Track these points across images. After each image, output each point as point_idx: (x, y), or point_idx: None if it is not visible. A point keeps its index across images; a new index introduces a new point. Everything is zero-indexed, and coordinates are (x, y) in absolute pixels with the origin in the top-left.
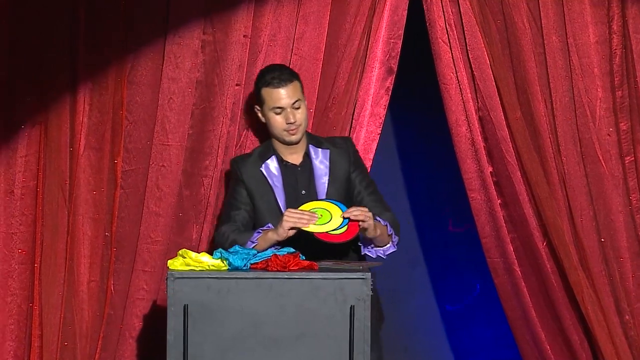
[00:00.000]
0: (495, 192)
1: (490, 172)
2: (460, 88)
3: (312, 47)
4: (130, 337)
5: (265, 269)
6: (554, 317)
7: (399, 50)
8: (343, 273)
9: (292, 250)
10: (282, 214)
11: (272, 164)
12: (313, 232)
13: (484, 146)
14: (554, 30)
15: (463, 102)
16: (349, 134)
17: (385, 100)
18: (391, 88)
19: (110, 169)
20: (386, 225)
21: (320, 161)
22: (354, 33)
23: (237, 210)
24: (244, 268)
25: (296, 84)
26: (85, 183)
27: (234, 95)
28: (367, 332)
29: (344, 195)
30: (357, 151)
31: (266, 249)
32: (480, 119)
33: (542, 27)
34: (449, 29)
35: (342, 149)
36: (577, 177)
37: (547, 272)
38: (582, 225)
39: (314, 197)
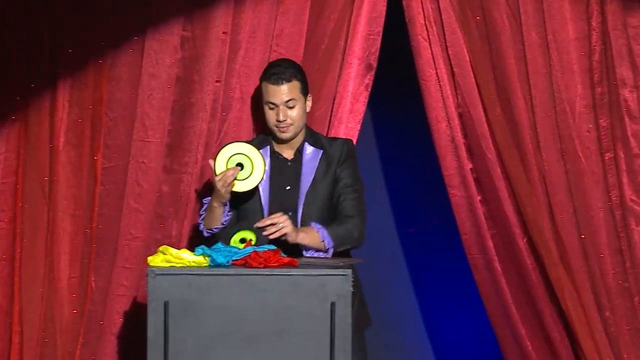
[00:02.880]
0: (475, 189)
1: (471, 168)
2: (440, 85)
3: (291, 44)
4: (111, 333)
5: (245, 266)
6: (535, 313)
7: (379, 46)
8: (324, 269)
9: (273, 247)
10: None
11: (264, 153)
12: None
13: (464, 143)
14: (533, 26)
15: (443, 99)
16: (328, 130)
17: (364, 96)
18: (370, 84)
19: (90, 166)
20: (318, 231)
21: (310, 159)
22: (333, 29)
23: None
24: (227, 264)
25: (295, 83)
26: (65, 179)
27: (214, 92)
28: (347, 329)
29: (327, 196)
30: (352, 154)
31: (216, 220)
32: (460, 116)
33: (521, 23)
34: (428, 26)
35: (337, 149)
36: (557, 173)
37: (527, 269)
38: (562, 222)
39: (296, 193)
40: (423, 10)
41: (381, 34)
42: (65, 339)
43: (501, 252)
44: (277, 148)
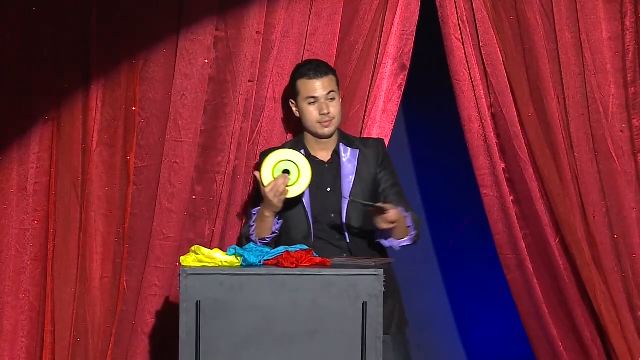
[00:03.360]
0: (507, 189)
1: (503, 168)
2: (472, 84)
3: (324, 44)
4: (143, 333)
5: (277, 265)
6: (567, 313)
7: (412, 46)
8: (355, 269)
9: (304, 247)
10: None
11: None
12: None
13: (496, 143)
14: (566, 26)
15: (476, 99)
16: (362, 131)
17: (397, 96)
18: (404, 84)
19: (122, 166)
20: (406, 216)
21: (349, 160)
22: (367, 29)
23: (256, 207)
24: (259, 264)
25: (332, 77)
26: (97, 179)
27: (246, 92)
28: (379, 329)
29: (368, 195)
30: (387, 153)
31: (267, 229)
32: (493, 116)
33: (555, 23)
34: (461, 26)
35: (372, 149)
36: (590, 173)
37: (559, 269)
38: (594, 222)
39: (339, 194)
40: (457, 10)
41: (414, 33)
42: (97, 338)
43: (533, 252)
44: (313, 151)
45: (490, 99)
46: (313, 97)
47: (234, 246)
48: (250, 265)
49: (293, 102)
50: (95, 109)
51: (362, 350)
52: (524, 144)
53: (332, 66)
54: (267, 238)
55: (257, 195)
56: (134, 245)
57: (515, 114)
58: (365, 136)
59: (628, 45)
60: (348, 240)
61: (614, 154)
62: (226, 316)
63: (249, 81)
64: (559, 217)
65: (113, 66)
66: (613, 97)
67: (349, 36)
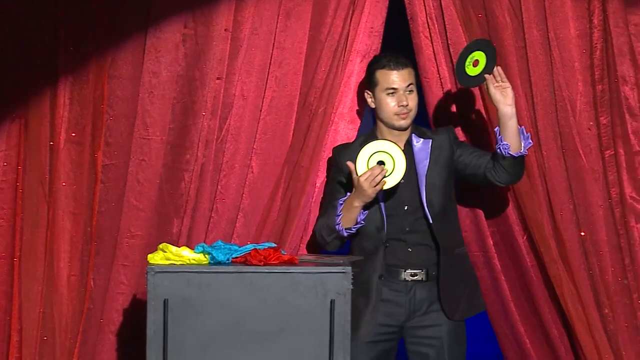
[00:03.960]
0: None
1: None
2: (441, 82)
3: (293, 41)
4: (110, 331)
5: (245, 263)
6: (534, 311)
7: (380, 43)
8: (323, 267)
9: (272, 244)
10: (354, 184)
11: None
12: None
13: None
14: (534, 24)
15: (444, 96)
16: (330, 127)
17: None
18: None
19: (90, 164)
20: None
21: (421, 148)
22: (336, 26)
23: (333, 201)
24: (227, 262)
25: (411, 70)
26: (65, 177)
27: (215, 90)
28: (347, 326)
29: (445, 179)
30: (457, 136)
31: (353, 219)
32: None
33: (523, 21)
34: (430, 23)
35: (443, 135)
36: (557, 171)
37: (526, 266)
38: (562, 219)
39: (413, 184)
40: (425, 8)
41: (383, 31)
42: (64, 337)
43: (501, 249)
44: None
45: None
46: (393, 89)
47: (202, 244)
48: (218, 263)
49: (369, 92)
50: (63, 106)
51: (329, 348)
52: (493, 141)
53: (302, 64)
54: (353, 228)
55: (331, 190)
56: (102, 243)
57: (483, 111)
58: (333, 133)
59: (596, 43)
60: (431, 221)
61: (581, 152)
62: (194, 314)
63: (218, 79)
64: (526, 214)
65: (81, 64)
66: (581, 95)
67: (318, 33)
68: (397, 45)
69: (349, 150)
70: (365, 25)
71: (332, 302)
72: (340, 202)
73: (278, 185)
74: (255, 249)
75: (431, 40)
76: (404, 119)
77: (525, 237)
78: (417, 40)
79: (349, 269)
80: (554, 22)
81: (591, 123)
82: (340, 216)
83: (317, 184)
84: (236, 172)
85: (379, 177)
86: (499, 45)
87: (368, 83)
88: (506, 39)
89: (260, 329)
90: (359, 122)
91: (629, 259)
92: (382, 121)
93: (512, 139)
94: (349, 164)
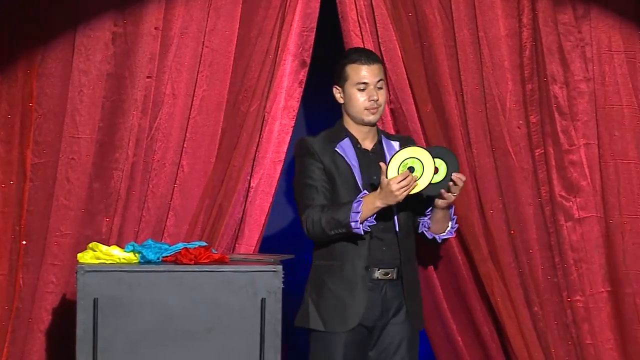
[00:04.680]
0: None
1: None
2: None
3: (223, 40)
4: (39, 331)
5: (175, 262)
6: (465, 309)
7: (312, 42)
8: (254, 266)
9: (203, 243)
10: (383, 187)
11: (347, 144)
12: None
13: None
14: (464, 23)
15: None
16: (262, 127)
17: (298, 93)
18: (304, 81)
19: (19, 162)
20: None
21: (391, 149)
22: (266, 25)
23: (317, 189)
24: (157, 261)
25: (381, 66)
26: None
27: (145, 88)
28: (277, 325)
29: None
30: None
31: (369, 217)
32: (392, 112)
33: (453, 20)
34: (361, 22)
35: (410, 144)
36: (488, 169)
37: (457, 264)
38: (492, 218)
39: None
40: (356, 7)
41: (315, 30)
42: None
43: (432, 247)
44: (358, 139)
45: (389, 95)
46: (364, 83)
47: (132, 243)
48: (149, 262)
49: (338, 88)
50: None
51: (260, 347)
52: (422, 140)
53: (231, 63)
54: (367, 227)
55: (311, 179)
56: (31, 242)
57: (414, 110)
58: (267, 133)
59: (525, 42)
60: (397, 229)
61: (511, 150)
62: (124, 313)
63: (148, 77)
64: (456, 212)
65: (9, 62)
66: (510, 94)
67: (249, 33)
68: (329, 44)
69: (319, 141)
70: (297, 25)
71: (263, 300)
72: (359, 199)
73: (209, 184)
74: (186, 247)
75: (362, 39)
76: (373, 113)
77: (455, 236)
78: (349, 39)
79: (279, 267)
80: (483, 21)
81: (521, 122)
82: (360, 214)
83: (251, 184)
84: (167, 170)
85: (410, 183)
86: (429, 44)
87: (337, 78)
88: (436, 37)
89: (191, 328)
90: (293, 121)
91: (558, 257)
92: (350, 116)
93: (438, 224)
94: (382, 165)
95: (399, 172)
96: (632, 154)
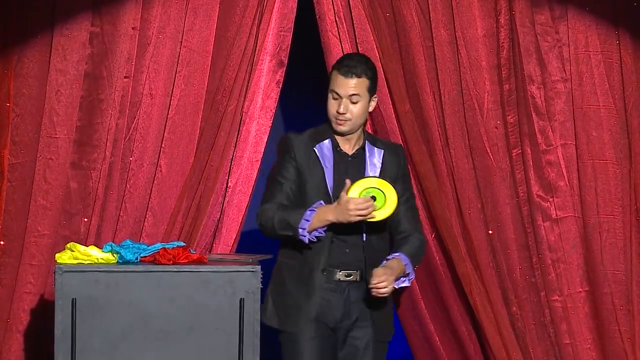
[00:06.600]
0: None
1: None
2: None
3: (201, 40)
4: (17, 331)
5: (154, 262)
6: (443, 309)
7: (290, 42)
8: (232, 266)
9: (181, 243)
10: (341, 202)
11: (326, 145)
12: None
13: None
14: (442, 23)
15: None
16: (239, 127)
17: (275, 93)
18: (282, 81)
19: None
20: (406, 265)
21: (373, 157)
22: (244, 25)
23: (282, 187)
24: (135, 261)
25: (364, 80)
26: None
27: (122, 88)
28: (256, 325)
29: None
30: (407, 162)
31: (318, 228)
32: (370, 112)
33: (430, 20)
34: (338, 22)
35: (395, 154)
36: (465, 169)
37: (435, 264)
38: (470, 218)
39: None
40: (333, 7)
41: (292, 30)
42: None
43: None
44: (338, 141)
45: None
46: (336, 93)
47: (110, 243)
48: (127, 262)
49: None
50: None
51: (239, 347)
52: (400, 140)
53: (209, 63)
54: (313, 237)
55: (281, 176)
56: (9, 242)
57: (392, 110)
58: (245, 133)
59: (502, 42)
60: (364, 239)
61: (489, 150)
62: (102, 314)
63: (125, 77)
64: (434, 212)
65: None
66: (488, 94)
67: (226, 32)
68: (307, 44)
69: (301, 139)
70: (274, 25)
71: (242, 300)
72: (313, 208)
73: (187, 184)
74: (164, 248)
75: (340, 39)
76: (339, 124)
77: (433, 235)
78: (326, 39)
79: (258, 267)
80: (461, 22)
81: (498, 122)
82: (309, 223)
83: (229, 184)
84: (144, 170)
85: (370, 209)
86: (407, 44)
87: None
88: (414, 38)
89: (169, 328)
90: (270, 121)
91: (536, 257)
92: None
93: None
94: (348, 181)
95: (360, 195)
96: (609, 154)
